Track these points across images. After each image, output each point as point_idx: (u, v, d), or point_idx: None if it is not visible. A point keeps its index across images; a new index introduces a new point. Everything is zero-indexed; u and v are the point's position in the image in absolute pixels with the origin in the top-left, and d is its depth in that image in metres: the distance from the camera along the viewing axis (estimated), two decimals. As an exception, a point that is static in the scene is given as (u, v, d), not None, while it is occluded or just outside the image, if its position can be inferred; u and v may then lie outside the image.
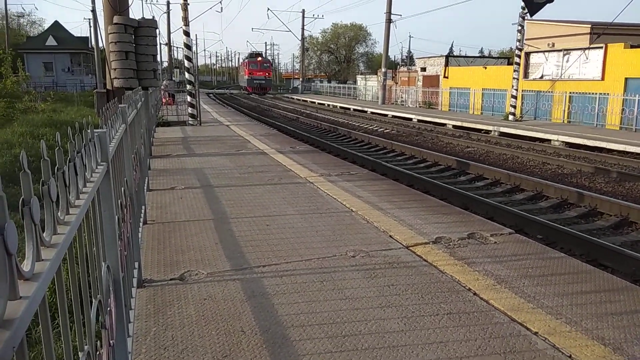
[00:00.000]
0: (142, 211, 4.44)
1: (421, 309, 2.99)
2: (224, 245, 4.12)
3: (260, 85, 55.71)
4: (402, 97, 34.43)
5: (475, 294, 3.20)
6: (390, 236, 4.35)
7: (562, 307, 3.00)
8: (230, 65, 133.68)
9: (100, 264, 1.67)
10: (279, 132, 14.63)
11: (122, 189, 2.64)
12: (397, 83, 36.86)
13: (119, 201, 2.37)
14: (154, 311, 2.96)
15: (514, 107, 21.28)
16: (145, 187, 5.33)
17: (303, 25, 57.31)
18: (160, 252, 3.96)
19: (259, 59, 57.45)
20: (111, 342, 1.70)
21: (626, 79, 18.70)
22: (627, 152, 12.92)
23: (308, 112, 28.83)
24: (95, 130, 1.81)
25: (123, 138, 2.85)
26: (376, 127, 20.47)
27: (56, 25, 52.61)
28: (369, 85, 42.83)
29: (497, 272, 3.54)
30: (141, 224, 4.12)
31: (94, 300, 1.50)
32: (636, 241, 6.28)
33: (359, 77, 52.77)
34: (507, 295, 3.16)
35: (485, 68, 27.36)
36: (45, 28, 56.34)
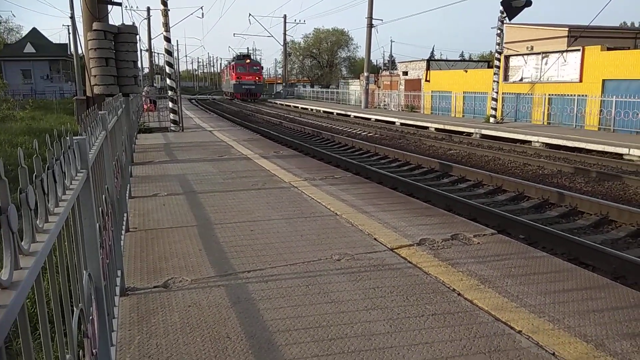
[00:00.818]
0: (124, 218, 4.39)
1: (406, 310, 3.00)
2: (208, 251, 4.09)
3: (249, 91, 50.19)
4: (384, 101, 34.64)
5: (459, 294, 3.22)
6: (374, 239, 4.36)
7: (545, 305, 3.04)
8: (212, 70, 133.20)
9: (82, 272, 1.65)
10: (262, 137, 14.60)
11: (103, 196, 2.61)
12: (379, 87, 37.07)
13: (100, 209, 2.34)
14: (137, 319, 2.92)
15: (495, 109, 21.55)
16: (127, 194, 5.28)
17: (285, 30, 55.11)
18: (143, 260, 3.92)
19: (248, 61, 51.56)
20: (94, 351, 1.67)
21: (603, 80, 19.07)
22: (606, 152, 13.16)
23: (291, 116, 28.84)
24: (74, 138, 1.79)
25: (103, 145, 2.82)
26: (359, 130, 20.56)
27: (34, 32, 51.97)
28: (351, 89, 43.01)
29: (481, 272, 3.57)
30: (123, 232, 4.07)
31: (75, 309, 1.48)
32: (616, 239, 6.39)
33: (341, 82, 53.06)
34: (490, 295, 3.19)
35: (466, 72, 27.67)
36: (23, 35, 55.57)
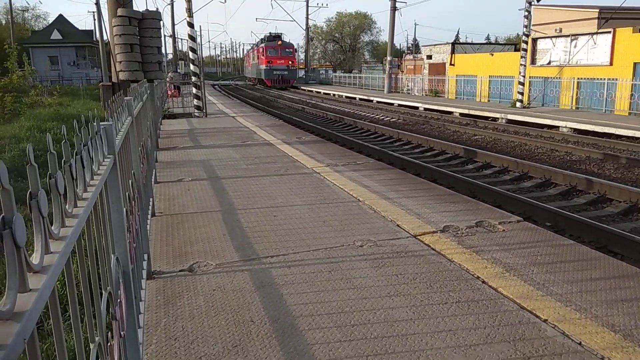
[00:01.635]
0: (150, 203, 4.46)
1: (429, 297, 2.98)
2: (232, 236, 4.13)
3: (282, 77, 44.04)
4: (408, 86, 34.24)
5: (483, 282, 3.19)
6: (397, 225, 4.34)
7: (571, 294, 2.99)
8: (234, 56, 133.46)
9: (110, 256, 1.68)
10: (284, 122, 14.61)
11: (130, 181, 2.65)
12: (403, 71, 36.62)
13: (127, 193, 2.37)
14: (163, 302, 2.98)
15: (522, 94, 21.10)
16: (152, 180, 5.35)
17: (307, 14, 53.51)
18: (169, 244, 3.98)
19: (280, 42, 44.82)
20: (122, 333, 1.71)
21: (635, 63, 18.47)
22: (636, 138, 12.80)
23: (314, 102, 28.75)
24: (101, 123, 1.81)
25: (129, 131, 2.85)
26: (382, 116, 20.39)
27: (60, 19, 52.67)
28: (374, 74, 42.56)
29: (506, 260, 3.53)
30: (149, 216, 4.14)
31: (104, 292, 1.51)
32: (646, 227, 6.24)
33: (364, 66, 51.96)
34: (515, 283, 3.15)
35: (492, 55, 27.11)
36: (50, 22, 56.43)
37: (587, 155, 10.91)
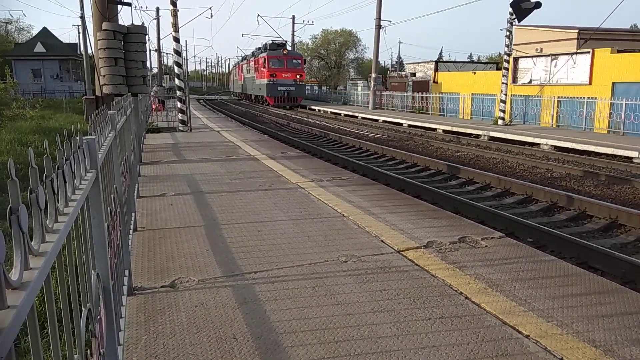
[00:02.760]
0: (132, 218, 4.41)
1: (413, 313, 2.99)
2: (215, 251, 4.10)
3: (288, 94, 36.46)
4: (392, 102, 34.58)
5: (466, 297, 3.20)
6: (382, 241, 4.35)
7: (553, 309, 3.01)
8: (220, 71, 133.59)
9: (90, 272, 1.65)
10: (270, 137, 14.62)
11: (112, 196, 2.62)
12: (387, 88, 37.00)
13: (109, 208, 2.35)
14: (144, 319, 2.93)
15: (503, 111, 21.44)
16: (135, 194, 5.30)
17: (293, 31, 53.14)
18: (150, 259, 3.93)
19: (285, 52, 37.65)
20: (101, 351, 1.68)
21: (613, 83, 18.92)
22: (615, 155, 13.06)
23: (299, 117, 28.86)
24: (84, 137, 1.80)
25: (112, 145, 2.83)
26: (367, 132, 20.53)
27: (44, 31, 52.36)
28: (359, 90, 42.78)
29: (489, 275, 3.55)
30: (131, 231, 4.09)
31: (83, 308, 1.48)
32: (625, 243, 6.34)
33: (349, 83, 50.97)
34: (498, 298, 3.17)
35: (475, 73, 27.55)
36: (34, 35, 56.01)
37: (568, 172, 11.10)
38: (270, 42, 39.40)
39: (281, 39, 39.48)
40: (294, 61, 37.95)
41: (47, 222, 1.10)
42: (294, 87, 37.03)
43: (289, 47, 43.32)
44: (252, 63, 43.64)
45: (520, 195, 8.80)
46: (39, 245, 0.99)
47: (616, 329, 2.79)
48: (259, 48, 43.10)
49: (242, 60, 53.84)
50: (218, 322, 2.88)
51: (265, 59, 37.35)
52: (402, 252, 4.05)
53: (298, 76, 37.38)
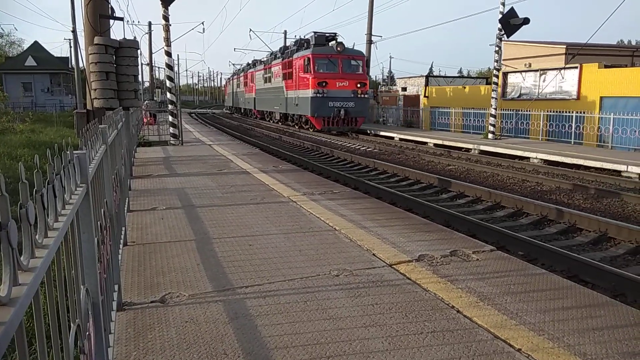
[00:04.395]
0: (122, 232, 4.38)
1: (405, 327, 2.98)
2: (206, 266, 4.08)
3: (345, 112, 24.80)
4: (383, 116, 34.77)
5: (458, 311, 3.20)
6: (373, 254, 4.35)
7: (544, 323, 3.02)
8: (212, 85, 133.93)
9: (79, 288, 1.64)
10: (261, 151, 14.62)
11: (102, 210, 2.61)
12: (379, 102, 37.25)
13: (99, 223, 2.33)
14: (134, 335, 2.90)
15: (493, 125, 21.63)
16: (125, 208, 5.27)
17: (285, 45, 54.39)
18: (140, 274, 3.90)
19: (340, 48, 25.46)
20: (90, 367, 1.66)
21: (601, 97, 19.19)
22: (604, 169, 13.19)
23: (290, 131, 28.90)
24: (74, 152, 1.80)
25: (103, 159, 2.83)
26: (358, 145, 20.60)
27: (36, 45, 52.32)
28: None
29: (480, 289, 3.56)
30: (121, 246, 4.06)
31: (72, 324, 1.47)
32: (615, 256, 6.38)
33: None
34: (490, 312, 3.18)
35: (465, 88, 27.83)
36: (25, 48, 55.91)
37: (558, 185, 11.18)
38: (313, 34, 26.85)
39: (334, 33, 26.54)
40: (353, 62, 25.39)
41: (37, 237, 1.09)
42: (353, 102, 24.65)
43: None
44: (275, 69, 31.68)
45: (511, 209, 8.85)
46: (28, 261, 0.98)
47: (607, 342, 2.80)
48: (286, 48, 31.93)
49: (247, 68, 44.21)
50: (209, 338, 2.86)
51: (309, 59, 24.64)
52: (394, 266, 4.05)
53: (359, 85, 24.81)
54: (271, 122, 34.63)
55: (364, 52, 28.83)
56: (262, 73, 35.92)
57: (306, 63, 25.37)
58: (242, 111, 47.83)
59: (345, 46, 25.78)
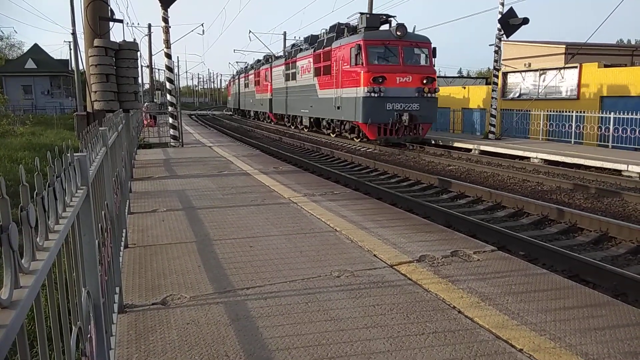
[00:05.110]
0: (123, 235, 4.38)
1: (407, 328, 2.98)
2: (207, 268, 4.07)
3: (409, 117, 18.72)
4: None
5: (460, 312, 3.20)
6: (374, 255, 4.35)
7: (546, 323, 3.02)
8: (212, 86, 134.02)
9: (80, 290, 1.64)
10: (262, 152, 14.62)
11: (103, 212, 2.61)
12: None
13: (100, 225, 2.33)
14: (135, 337, 2.90)
15: (494, 125, 21.63)
16: (126, 210, 5.27)
17: (284, 47, 53.68)
18: (141, 276, 3.90)
19: (399, 32, 18.93)
20: (91, 370, 1.66)
21: (601, 97, 19.20)
22: (605, 169, 13.18)
23: (291, 132, 28.92)
24: (75, 154, 1.80)
25: (103, 161, 2.83)
26: (359, 146, 20.60)
27: (35, 48, 52.37)
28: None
29: (481, 289, 3.55)
30: (122, 248, 4.06)
31: (73, 327, 1.46)
32: (616, 256, 6.37)
33: None
34: (491, 312, 3.17)
35: (464, 88, 27.84)
36: (25, 51, 55.99)
37: (558, 185, 11.18)
38: (359, 15, 20.88)
39: (394, 15, 20.73)
40: (417, 51, 19.57)
41: (38, 239, 1.09)
42: (418, 104, 18.98)
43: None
44: (303, 63, 25.72)
45: (512, 209, 8.84)
46: (29, 264, 0.98)
47: (608, 341, 2.79)
48: (315, 37, 26.16)
49: (258, 65, 38.99)
50: (210, 340, 2.85)
51: (359, 47, 18.71)
52: (395, 267, 4.04)
53: (425, 80, 19.05)
54: (290, 127, 29.36)
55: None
56: (282, 69, 29.95)
57: (355, 53, 18.97)
58: (252, 115, 42.29)
59: (408, 31, 19.27)
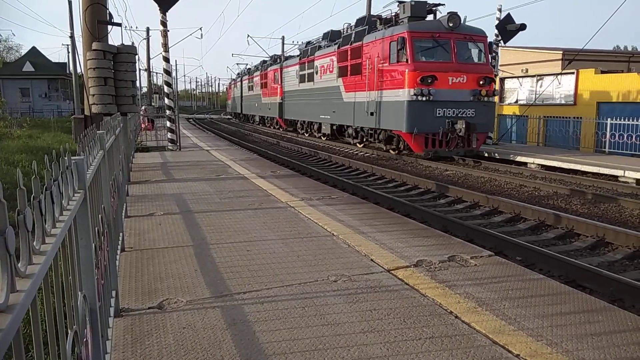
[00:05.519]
0: (120, 238, 4.37)
1: (404, 333, 2.97)
2: (203, 272, 4.07)
3: (466, 125, 15.34)
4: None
5: (456, 317, 3.20)
6: (371, 260, 4.34)
7: (542, 328, 3.02)
8: (210, 90, 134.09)
9: (77, 294, 1.63)
10: (259, 156, 14.63)
11: (100, 216, 2.60)
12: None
13: (96, 228, 2.33)
14: (131, 341, 2.88)
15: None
16: (123, 214, 5.26)
17: (283, 51, 53.22)
18: (138, 280, 3.88)
19: (452, 23, 15.58)
20: (87, 374, 1.65)
21: (598, 103, 19.28)
22: (601, 174, 13.22)
23: (289, 136, 28.94)
24: (72, 158, 1.79)
25: (101, 165, 2.82)
26: (356, 151, 20.62)
27: (33, 51, 52.33)
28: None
29: (478, 294, 3.55)
30: (119, 252, 4.05)
31: (69, 331, 1.46)
32: (613, 261, 6.38)
33: None
34: (488, 317, 3.17)
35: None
36: (23, 54, 55.96)
37: (555, 190, 11.20)
38: (398, 3, 17.55)
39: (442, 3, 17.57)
40: (471, 46, 16.53)
41: (35, 243, 1.09)
42: (473, 110, 15.93)
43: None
44: (323, 62, 22.46)
45: (509, 214, 8.85)
46: (25, 267, 0.98)
47: (605, 347, 2.79)
48: (336, 32, 22.98)
49: (264, 66, 36.25)
50: (206, 344, 2.85)
51: (403, 40, 15.65)
52: (392, 272, 4.04)
53: (482, 82, 16.00)
54: (304, 134, 26.75)
55: None
56: (296, 70, 26.72)
57: (398, 47, 15.70)
58: (256, 120, 39.41)
59: (462, 23, 16.11)
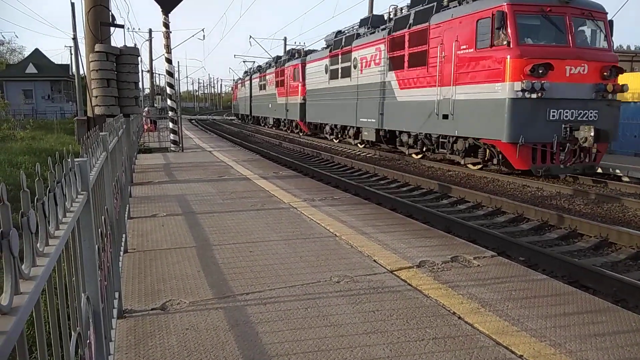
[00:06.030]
0: (123, 239, 4.38)
1: (407, 334, 2.97)
2: (206, 273, 4.07)
3: (596, 131, 10.95)
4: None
5: (460, 317, 3.19)
6: (374, 261, 4.34)
7: (546, 329, 3.01)
8: (212, 91, 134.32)
9: (80, 295, 1.64)
10: (262, 157, 14.63)
11: (103, 217, 2.61)
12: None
13: (99, 230, 2.34)
14: (134, 342, 2.89)
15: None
16: (126, 215, 5.27)
17: (285, 51, 53.96)
18: (141, 281, 3.89)
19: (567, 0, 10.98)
20: (90, 375, 1.65)
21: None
22: (605, 174, 13.17)
23: (291, 137, 28.96)
24: (75, 160, 1.80)
25: (104, 166, 2.83)
26: (359, 151, 20.61)
27: (36, 52, 52.49)
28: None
29: (481, 295, 3.55)
30: (122, 253, 4.06)
31: (73, 332, 1.46)
32: (616, 262, 6.37)
33: None
34: (491, 318, 3.17)
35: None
36: (26, 56, 56.12)
37: (558, 191, 11.17)
38: None
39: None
40: (590, 25, 12.13)
41: (38, 245, 1.09)
42: (596, 112, 11.63)
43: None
44: (359, 54, 18.98)
45: (511, 214, 8.83)
46: (29, 269, 0.98)
47: (609, 348, 2.79)
48: (367, 19, 20.18)
49: (277, 63, 32.81)
50: (209, 345, 2.85)
51: (502, 14, 11.17)
52: (395, 272, 4.04)
53: (606, 73, 11.61)
54: (334, 139, 23.21)
55: None
56: (325, 64, 22.69)
57: (496, 25, 11.43)
58: (270, 122, 35.30)
59: None
